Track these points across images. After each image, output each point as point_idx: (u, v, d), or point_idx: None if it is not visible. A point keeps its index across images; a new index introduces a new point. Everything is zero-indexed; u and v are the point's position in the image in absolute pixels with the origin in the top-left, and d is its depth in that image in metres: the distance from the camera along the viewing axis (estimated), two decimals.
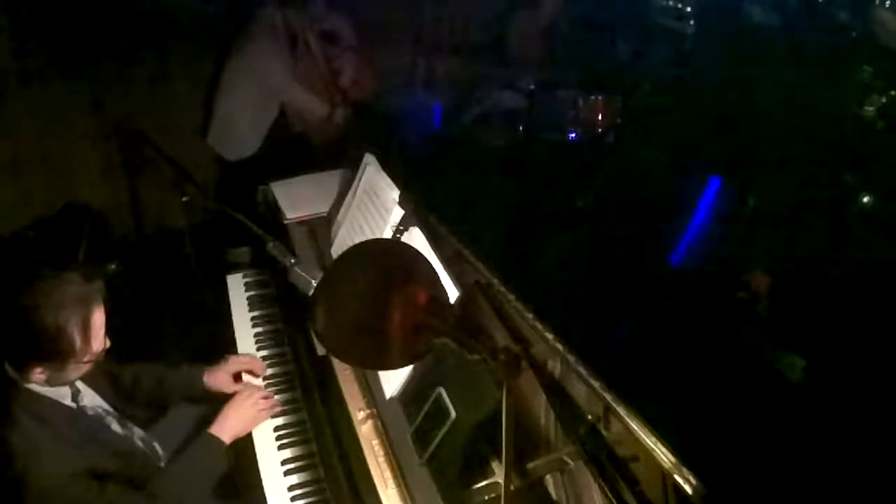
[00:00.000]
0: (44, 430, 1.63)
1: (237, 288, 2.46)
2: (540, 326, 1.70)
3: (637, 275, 3.32)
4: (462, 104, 4.29)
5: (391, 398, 1.77)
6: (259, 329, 2.30)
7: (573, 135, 4.10)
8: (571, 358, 1.60)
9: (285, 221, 2.42)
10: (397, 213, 1.97)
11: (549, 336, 1.67)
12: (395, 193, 2.02)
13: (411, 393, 1.72)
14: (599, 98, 4.07)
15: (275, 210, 2.48)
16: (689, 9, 4.54)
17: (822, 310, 2.92)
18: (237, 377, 2.11)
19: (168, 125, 3.77)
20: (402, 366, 1.63)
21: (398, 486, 1.61)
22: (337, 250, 2.21)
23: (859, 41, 3.74)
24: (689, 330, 2.96)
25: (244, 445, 1.95)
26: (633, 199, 3.68)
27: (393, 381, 1.77)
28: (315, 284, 1.80)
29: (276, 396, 2.07)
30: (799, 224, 3.27)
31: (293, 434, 1.96)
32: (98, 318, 1.66)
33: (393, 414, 1.75)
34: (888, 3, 3.74)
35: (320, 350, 1.90)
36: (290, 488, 1.82)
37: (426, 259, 1.33)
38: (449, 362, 1.60)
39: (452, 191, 3.46)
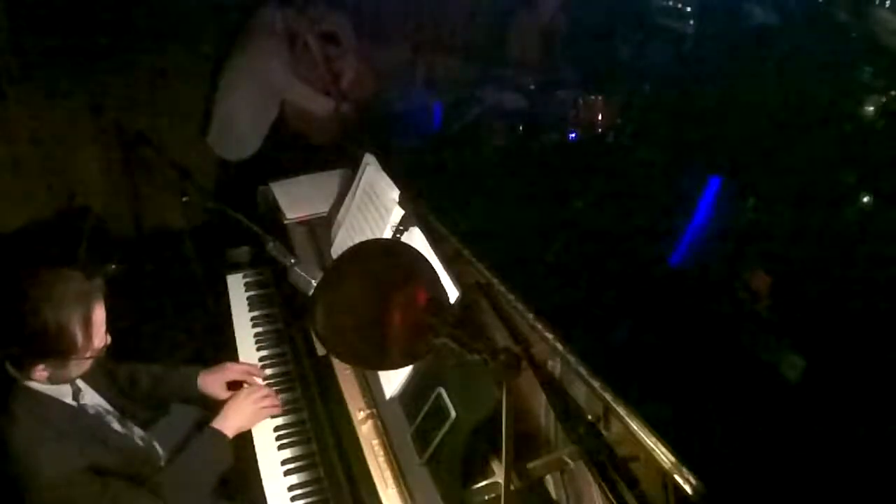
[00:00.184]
0: (45, 428, 1.63)
1: (237, 288, 2.46)
2: (540, 326, 1.70)
3: (637, 275, 3.32)
4: (462, 104, 4.29)
5: (391, 398, 1.77)
6: (259, 329, 2.30)
7: (573, 135, 4.10)
8: (571, 358, 1.60)
9: (285, 221, 2.42)
10: (397, 213, 1.97)
11: (549, 336, 1.67)
12: (395, 193, 2.02)
13: (411, 393, 1.72)
14: (599, 98, 4.07)
15: (275, 210, 2.48)
16: (689, 9, 4.54)
17: (821, 310, 2.92)
18: (232, 385, 2.11)
19: (168, 125, 3.77)
20: (402, 366, 1.63)
21: (398, 486, 1.61)
22: (337, 250, 2.21)
23: (859, 41, 3.74)
24: (689, 330, 2.96)
25: (244, 445, 1.95)
26: (634, 200, 3.68)
27: (393, 381, 1.77)
28: (315, 284, 1.80)
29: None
30: (799, 224, 3.27)
31: (293, 434, 1.95)
32: (99, 314, 1.66)
33: (393, 414, 1.75)
34: (888, 3, 3.75)
35: (320, 350, 1.90)
36: (290, 488, 1.82)
37: (426, 259, 1.33)
38: (449, 362, 1.60)
39: (452, 191, 3.46)
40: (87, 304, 1.63)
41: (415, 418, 1.65)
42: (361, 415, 1.78)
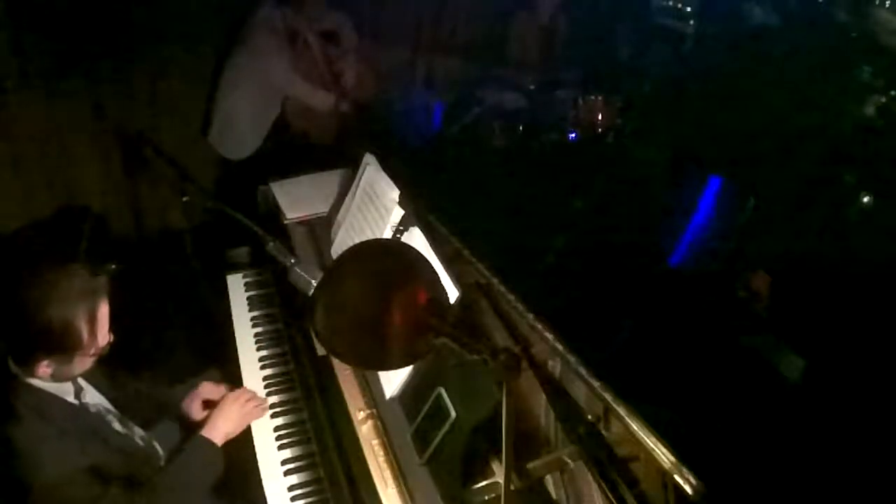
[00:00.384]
0: (47, 426, 1.63)
1: (237, 288, 2.46)
2: (540, 326, 1.70)
3: (637, 275, 3.32)
4: (462, 104, 4.29)
5: (391, 398, 1.77)
6: (259, 329, 2.30)
7: (573, 135, 4.10)
8: (571, 358, 1.60)
9: (285, 221, 2.42)
10: (397, 213, 1.97)
11: (549, 336, 1.67)
12: (395, 193, 2.02)
13: (411, 393, 1.72)
14: (599, 98, 4.07)
15: (275, 210, 2.48)
16: (689, 9, 4.54)
17: (821, 310, 2.92)
18: (207, 403, 2.11)
19: (168, 125, 3.77)
20: (402, 366, 1.63)
21: (398, 486, 1.61)
22: (337, 250, 2.21)
23: (859, 41, 3.74)
24: (689, 330, 2.96)
25: (244, 445, 1.95)
26: (633, 199, 3.68)
27: (393, 381, 1.77)
28: (315, 284, 1.80)
29: (275, 397, 2.07)
30: (799, 224, 3.27)
31: (293, 434, 1.96)
32: (103, 311, 1.67)
33: (393, 414, 1.75)
34: (888, 3, 3.75)
35: (320, 350, 1.90)
36: (290, 488, 1.82)
37: (426, 259, 1.33)
38: (449, 362, 1.60)
39: (452, 191, 3.46)
40: (92, 301, 1.63)
41: (415, 418, 1.65)
42: (361, 415, 1.78)
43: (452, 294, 1.66)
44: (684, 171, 3.75)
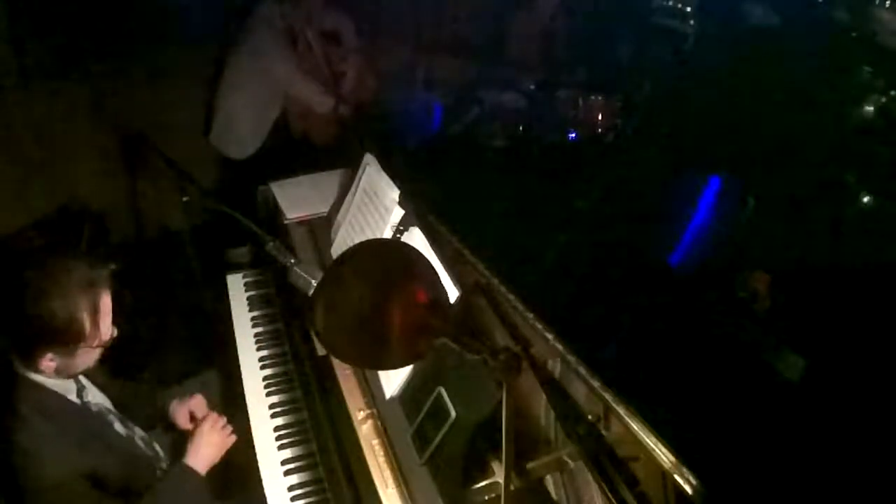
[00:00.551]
0: (48, 424, 1.63)
1: (237, 288, 2.46)
2: (540, 326, 1.70)
3: (637, 275, 3.32)
4: (462, 104, 4.29)
5: (391, 398, 1.77)
6: (259, 329, 2.30)
7: (573, 135, 4.10)
8: (571, 358, 1.60)
9: (285, 221, 2.42)
10: (397, 213, 1.97)
11: (549, 336, 1.67)
12: (395, 193, 2.02)
13: (411, 393, 1.72)
14: (599, 98, 4.07)
15: (275, 210, 2.48)
16: (689, 9, 4.54)
17: (821, 309, 2.92)
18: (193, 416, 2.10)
19: (168, 125, 3.77)
20: (402, 366, 1.63)
21: (398, 486, 1.61)
22: (337, 250, 2.21)
23: (859, 41, 3.74)
24: (689, 330, 2.96)
25: (244, 445, 1.95)
26: (634, 199, 3.68)
27: (393, 381, 1.77)
28: (315, 284, 1.80)
29: (275, 397, 2.07)
30: (799, 224, 3.27)
31: (293, 434, 1.96)
32: (106, 302, 1.68)
33: (393, 414, 1.75)
34: (888, 3, 3.75)
35: (320, 350, 1.90)
36: (290, 488, 1.82)
37: (426, 259, 1.33)
38: (449, 362, 1.60)
39: (452, 191, 3.46)
40: (94, 292, 1.65)
41: (415, 418, 1.65)
42: (361, 415, 1.78)
43: (452, 294, 1.66)
44: (684, 171, 3.75)
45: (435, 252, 1.78)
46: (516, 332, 1.77)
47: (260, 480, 1.84)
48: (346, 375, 1.88)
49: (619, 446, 1.51)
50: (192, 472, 1.85)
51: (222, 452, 1.94)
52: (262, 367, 2.17)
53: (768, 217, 3.42)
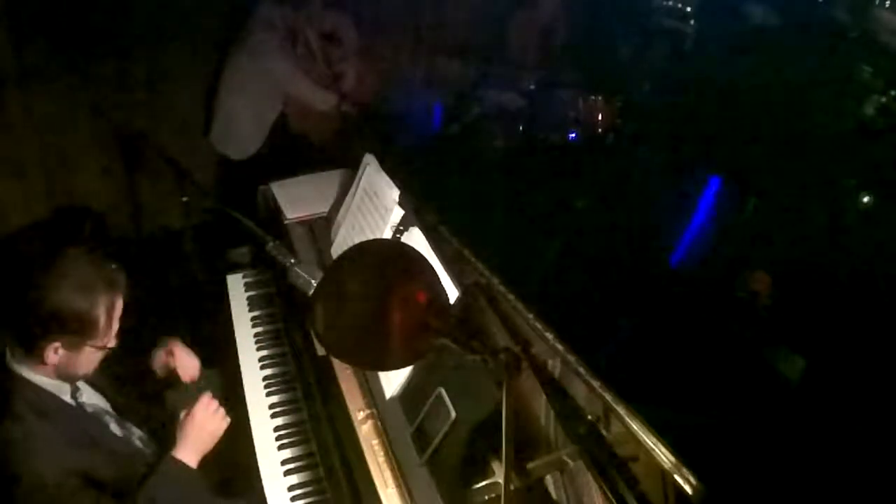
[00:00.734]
0: (42, 423, 1.63)
1: (237, 288, 2.46)
2: (540, 326, 1.70)
3: (637, 275, 3.32)
4: (462, 104, 4.29)
5: (391, 398, 1.77)
6: (259, 329, 2.30)
7: (573, 135, 4.10)
8: (571, 358, 1.60)
9: (285, 221, 2.42)
10: (397, 213, 1.97)
11: (549, 336, 1.67)
12: (395, 193, 2.02)
13: (411, 393, 1.72)
14: (599, 98, 4.07)
15: (275, 210, 2.48)
16: (689, 9, 4.54)
17: (821, 309, 2.92)
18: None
19: (168, 125, 3.77)
20: (402, 366, 1.63)
21: (398, 486, 1.61)
22: (337, 250, 2.21)
23: (859, 41, 3.74)
24: (689, 330, 2.96)
25: (244, 445, 1.95)
26: (634, 199, 3.68)
27: (393, 381, 1.77)
28: (315, 284, 1.80)
29: (275, 397, 2.07)
30: (799, 224, 3.27)
31: (293, 434, 1.96)
32: (119, 306, 1.69)
33: (393, 414, 1.75)
34: (888, 3, 3.75)
35: (320, 350, 1.90)
36: (290, 488, 1.82)
37: (426, 259, 1.33)
38: (449, 362, 1.60)
39: (452, 191, 3.46)
40: (113, 292, 1.67)
41: (415, 418, 1.65)
42: (361, 415, 1.78)
43: (452, 294, 1.66)
44: (684, 171, 3.75)
45: (435, 252, 1.79)
46: (516, 332, 1.77)
47: (260, 480, 1.84)
48: (346, 375, 1.88)
49: (619, 446, 1.51)
50: (178, 465, 1.74)
51: (215, 439, 1.81)
52: (262, 367, 2.17)
53: (768, 217, 3.42)
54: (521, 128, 4.15)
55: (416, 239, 1.85)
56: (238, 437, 1.96)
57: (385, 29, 4.27)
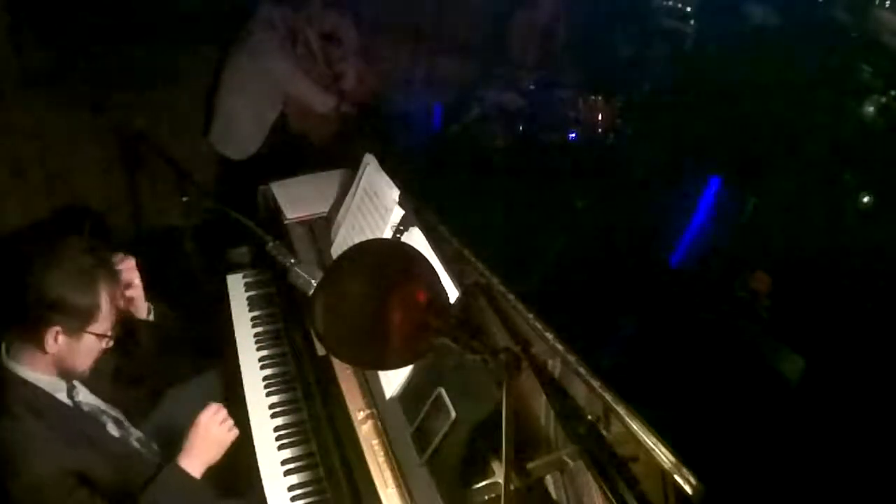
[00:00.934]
0: (38, 422, 1.62)
1: (237, 288, 2.46)
2: (540, 326, 1.70)
3: (637, 275, 3.32)
4: (462, 104, 4.29)
5: (391, 398, 1.77)
6: (259, 329, 2.30)
7: (573, 135, 4.10)
8: (571, 358, 1.60)
9: (285, 221, 2.42)
10: (397, 213, 1.97)
11: (549, 336, 1.67)
12: (395, 193, 2.02)
13: (411, 393, 1.72)
14: (599, 98, 4.07)
15: (275, 210, 2.48)
16: (689, 9, 4.54)
17: (822, 309, 2.93)
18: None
19: (168, 125, 3.77)
20: (402, 366, 1.63)
21: (398, 486, 1.61)
22: (337, 250, 2.21)
23: (859, 41, 3.74)
24: (689, 330, 2.96)
25: (244, 445, 1.95)
26: (634, 199, 3.68)
27: (393, 381, 1.77)
28: (315, 284, 1.80)
29: (275, 397, 2.07)
30: (799, 223, 3.27)
31: (293, 434, 1.95)
32: (119, 294, 1.74)
33: (393, 414, 1.75)
34: (888, 3, 3.75)
35: (320, 350, 1.90)
36: (290, 488, 1.82)
37: (426, 259, 1.33)
38: (449, 362, 1.60)
39: (452, 191, 3.46)
40: (115, 284, 1.71)
41: (415, 418, 1.65)
42: (361, 415, 1.78)
43: (452, 294, 1.66)
44: (684, 172, 3.76)
45: (435, 252, 1.78)
46: (516, 332, 1.77)
47: (260, 480, 1.84)
48: (346, 375, 1.88)
49: (619, 446, 1.51)
50: (183, 475, 1.74)
51: (222, 450, 1.80)
52: (262, 367, 2.17)
53: (768, 217, 3.42)
54: (521, 128, 4.15)
55: (416, 239, 1.85)
56: (238, 438, 1.96)
57: (385, 29, 4.27)
